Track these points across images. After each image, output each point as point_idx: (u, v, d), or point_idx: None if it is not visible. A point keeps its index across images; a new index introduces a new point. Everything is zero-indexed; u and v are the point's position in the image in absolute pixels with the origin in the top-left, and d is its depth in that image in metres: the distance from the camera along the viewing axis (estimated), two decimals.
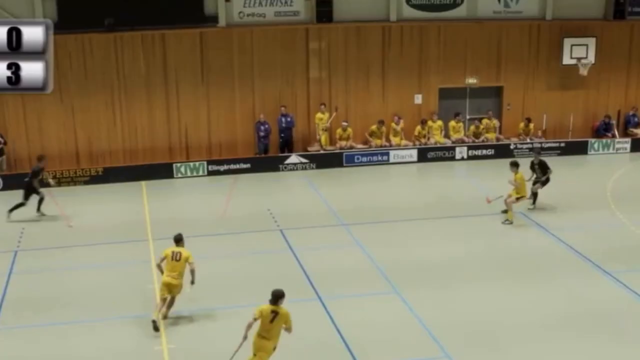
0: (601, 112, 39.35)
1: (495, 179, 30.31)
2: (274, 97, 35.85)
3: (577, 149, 37.99)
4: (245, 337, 16.17)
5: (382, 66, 36.89)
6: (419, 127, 37.03)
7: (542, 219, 27.93)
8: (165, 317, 20.11)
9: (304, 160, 35.32)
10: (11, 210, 28.51)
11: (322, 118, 35.96)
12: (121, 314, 20.56)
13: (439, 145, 36.98)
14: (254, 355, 16.45)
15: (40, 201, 28.89)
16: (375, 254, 24.46)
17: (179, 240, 20.21)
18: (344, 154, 35.78)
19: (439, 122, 37.46)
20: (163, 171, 33.84)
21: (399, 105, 37.26)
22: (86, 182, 32.71)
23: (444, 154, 36.82)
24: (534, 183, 28.90)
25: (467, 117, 38.52)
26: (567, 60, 38.04)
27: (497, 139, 37.73)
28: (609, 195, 31.07)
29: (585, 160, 37.57)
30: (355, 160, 35.77)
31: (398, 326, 19.90)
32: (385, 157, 36.05)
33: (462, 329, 19.69)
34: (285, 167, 35.10)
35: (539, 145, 35.79)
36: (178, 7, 34.06)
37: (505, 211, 27.92)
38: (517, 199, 27.63)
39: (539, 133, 38.30)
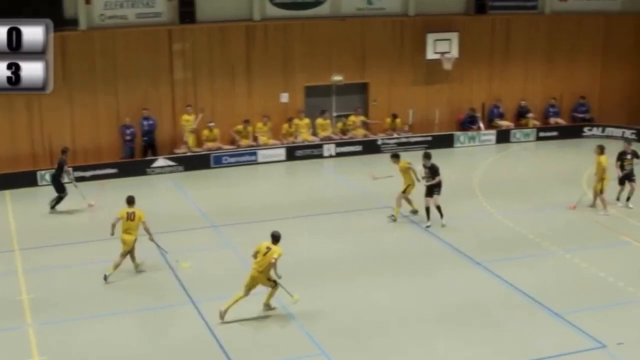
0: (466, 105, 40.09)
1: (363, 175, 30.49)
2: (139, 100, 35.19)
3: (444, 142, 38.57)
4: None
5: (247, 66, 36.73)
6: (286, 126, 36.99)
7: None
8: (137, 267, 23.15)
9: (171, 163, 34.90)
10: (53, 206, 29.17)
11: (188, 120, 35.57)
12: None
13: (306, 143, 37.00)
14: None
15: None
16: (246, 255, 24.19)
17: (131, 201, 22.81)
18: (212, 155, 35.48)
19: (306, 120, 37.50)
20: (26, 179, 32.86)
21: (265, 104, 37.14)
22: None
23: (312, 151, 36.88)
24: (428, 191, 27.27)
25: (334, 114, 38.64)
26: (431, 55, 38.65)
27: (365, 135, 37.96)
28: (476, 187, 31.58)
29: (452, 153, 38.13)
30: (223, 161, 35.51)
31: (273, 325, 19.91)
32: (253, 157, 35.89)
33: (338, 326, 19.79)
34: (153, 171, 34.58)
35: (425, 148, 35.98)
36: (36, 10, 33.14)
37: (415, 211, 28.01)
38: (404, 191, 27.54)
39: (406, 128, 38.71)
